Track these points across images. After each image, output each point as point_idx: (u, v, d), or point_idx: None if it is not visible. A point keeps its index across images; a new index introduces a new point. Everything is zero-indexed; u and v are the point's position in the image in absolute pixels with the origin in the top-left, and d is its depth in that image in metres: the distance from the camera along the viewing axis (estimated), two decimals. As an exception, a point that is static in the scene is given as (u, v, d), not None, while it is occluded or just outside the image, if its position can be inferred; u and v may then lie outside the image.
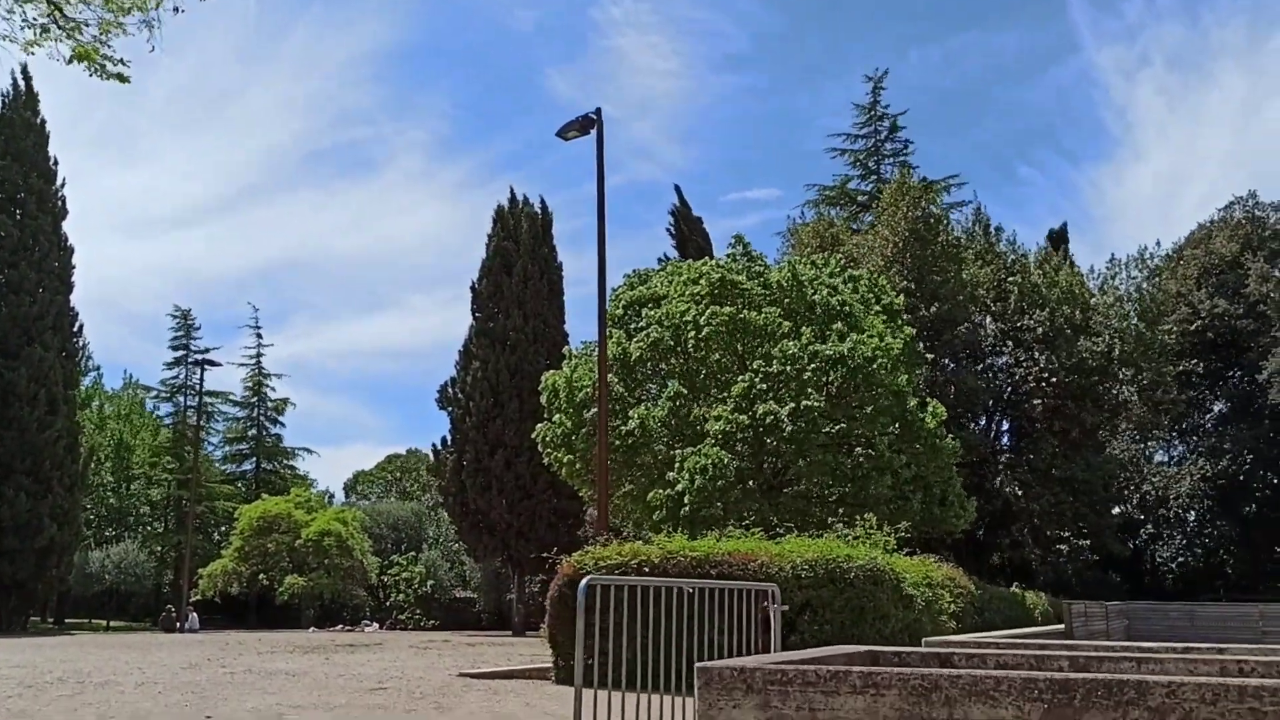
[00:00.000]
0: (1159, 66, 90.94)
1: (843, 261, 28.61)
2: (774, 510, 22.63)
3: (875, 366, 22.92)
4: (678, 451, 23.22)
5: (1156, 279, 39.02)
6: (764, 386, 23.08)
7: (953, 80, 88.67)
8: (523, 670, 17.88)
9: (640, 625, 7.46)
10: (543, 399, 27.03)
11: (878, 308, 26.23)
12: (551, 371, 27.38)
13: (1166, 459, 47.05)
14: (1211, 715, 4.61)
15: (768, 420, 22.43)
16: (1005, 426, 34.92)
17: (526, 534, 38.68)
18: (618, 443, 23.72)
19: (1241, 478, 42.90)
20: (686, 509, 22.01)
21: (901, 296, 27.75)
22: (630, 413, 24.31)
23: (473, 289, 40.65)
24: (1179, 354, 38.86)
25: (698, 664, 5.52)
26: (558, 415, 26.05)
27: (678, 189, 52.83)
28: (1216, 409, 44.72)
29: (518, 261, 39.57)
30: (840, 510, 23.05)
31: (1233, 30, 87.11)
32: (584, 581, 6.73)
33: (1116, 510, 44.47)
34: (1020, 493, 34.42)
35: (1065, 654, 7.24)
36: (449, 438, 40.93)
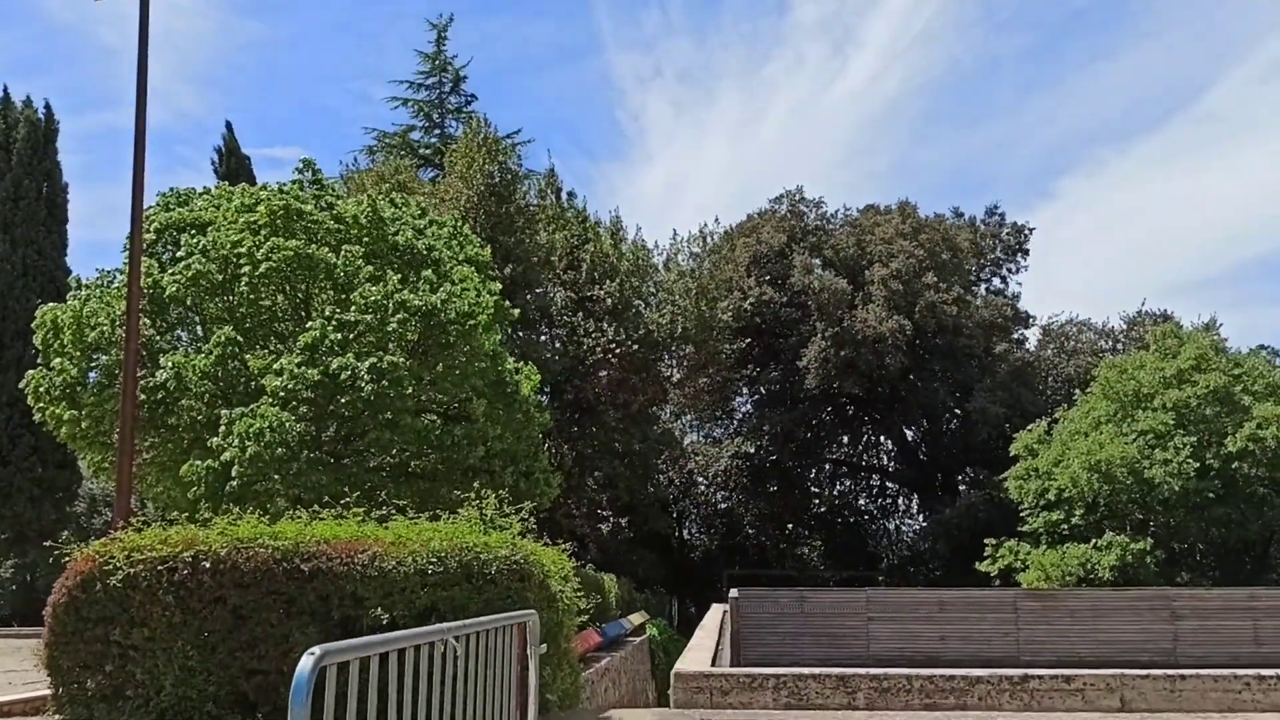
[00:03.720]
0: (670, 78, 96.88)
1: (423, 205, 25.30)
2: (341, 484, 18.89)
3: (475, 322, 19.94)
4: (224, 411, 18.75)
5: (715, 257, 39.61)
6: (337, 337, 19.26)
7: (485, 62, 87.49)
8: (3, 703, 12.88)
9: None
10: (37, 339, 21.11)
11: (463, 258, 23.28)
12: (52, 305, 21.50)
13: (705, 438, 48.55)
14: None
15: (342, 377, 18.65)
16: (570, 398, 33.38)
17: (-1, 510, 31.52)
18: (144, 397, 18.80)
19: (773, 458, 45.05)
20: (235, 483, 17.69)
21: (488, 249, 24.96)
22: (162, 360, 19.39)
23: (-61, 203, 32.29)
24: (733, 334, 39.71)
25: None
26: (58, 360, 20.35)
27: (229, 125, 47.12)
28: (759, 391, 46.71)
29: (7, 175, 31.90)
30: (421, 485, 19.92)
31: (733, 54, 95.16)
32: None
33: (652, 487, 45.03)
34: (582, 467, 33.13)
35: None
36: (-106, 389, 32.31)
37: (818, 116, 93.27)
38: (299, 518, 12.33)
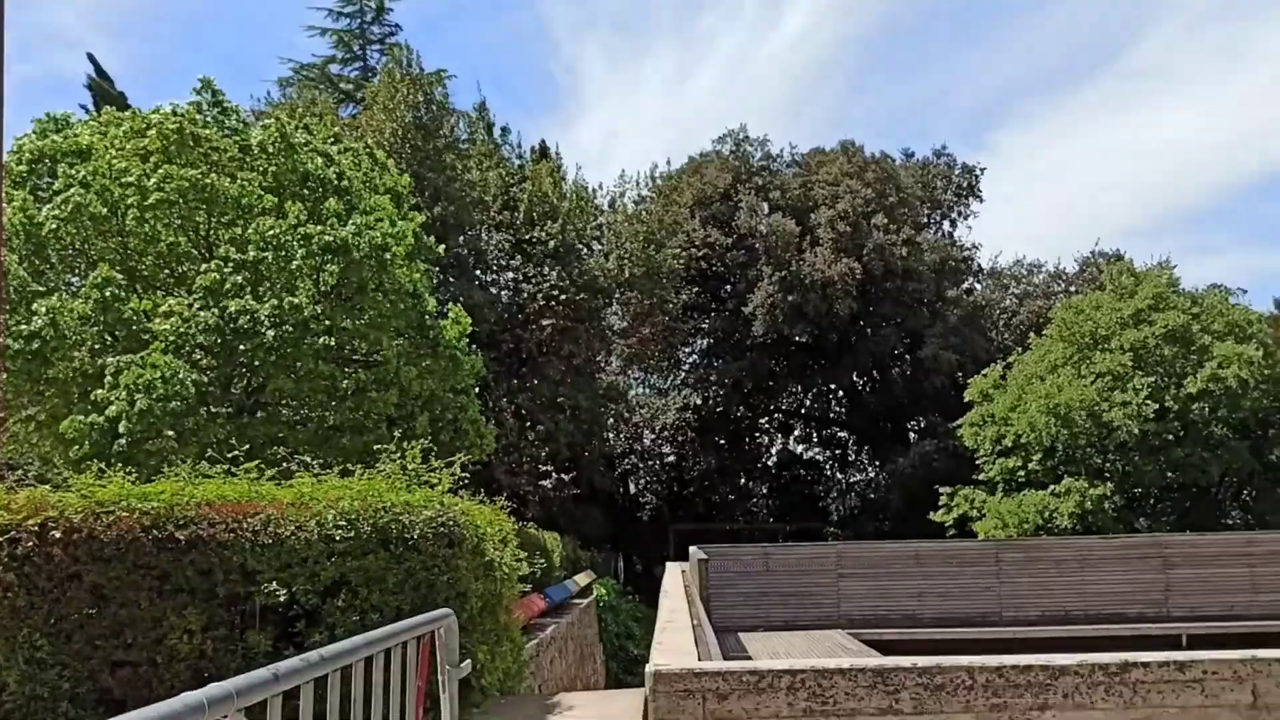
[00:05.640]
0: (604, 29, 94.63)
1: (338, 132, 23.08)
2: (247, 440, 16.83)
3: (388, 257, 17.89)
4: (111, 360, 16.56)
5: (663, 200, 37.61)
6: (239, 279, 17.12)
7: (413, 8, 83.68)
8: None
9: None
10: (-99, 284, 18.70)
11: (382, 188, 21.19)
12: (-85, 247, 19.06)
13: (651, 389, 46.80)
14: None
15: (240, 321, 16.54)
16: (510, 348, 31.33)
17: (-116, 479, 28.92)
18: (19, 346, 16.56)
19: (720, 410, 43.42)
20: (124, 440, 15.58)
21: (408, 178, 22.78)
22: (38, 305, 17.10)
23: None
24: (681, 281, 37.88)
25: None
26: (-77, 307, 18.00)
27: (91, 58, 43.37)
28: (706, 340, 44.96)
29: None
30: (341, 440, 17.90)
31: (668, 7, 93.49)
32: None
33: (597, 441, 43.24)
34: (522, 421, 31.22)
35: None
36: None
37: (753, 68, 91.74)
38: (177, 475, 10.37)
